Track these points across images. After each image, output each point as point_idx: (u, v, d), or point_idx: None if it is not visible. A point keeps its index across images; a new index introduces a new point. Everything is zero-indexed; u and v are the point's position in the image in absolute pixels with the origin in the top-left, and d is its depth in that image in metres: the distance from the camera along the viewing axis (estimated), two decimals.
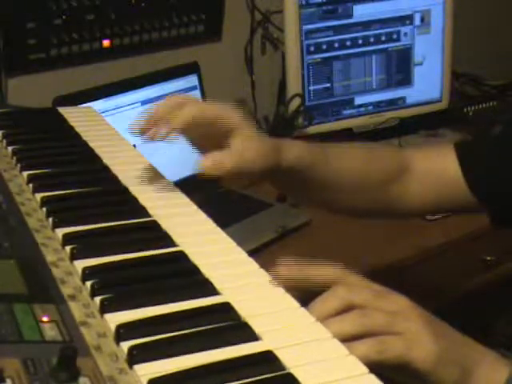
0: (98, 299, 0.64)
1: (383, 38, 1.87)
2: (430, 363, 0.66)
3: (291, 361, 0.58)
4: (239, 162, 0.85)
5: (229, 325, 0.62)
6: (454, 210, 1.06)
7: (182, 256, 0.73)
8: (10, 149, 0.97)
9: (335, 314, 0.66)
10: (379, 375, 0.57)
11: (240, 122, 0.87)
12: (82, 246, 0.73)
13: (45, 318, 0.61)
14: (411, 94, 1.95)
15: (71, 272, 0.70)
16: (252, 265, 0.73)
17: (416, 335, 0.67)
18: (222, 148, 0.87)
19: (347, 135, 1.90)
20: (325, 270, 0.71)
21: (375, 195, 1.00)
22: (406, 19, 1.89)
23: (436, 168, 1.01)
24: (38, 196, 0.84)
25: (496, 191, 0.97)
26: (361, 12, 1.83)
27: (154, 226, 0.79)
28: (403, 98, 1.94)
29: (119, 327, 0.60)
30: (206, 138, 0.91)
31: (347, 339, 0.63)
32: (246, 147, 0.86)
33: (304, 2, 1.76)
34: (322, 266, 0.71)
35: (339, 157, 0.97)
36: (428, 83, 1.97)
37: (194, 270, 0.71)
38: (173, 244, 0.76)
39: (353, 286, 0.69)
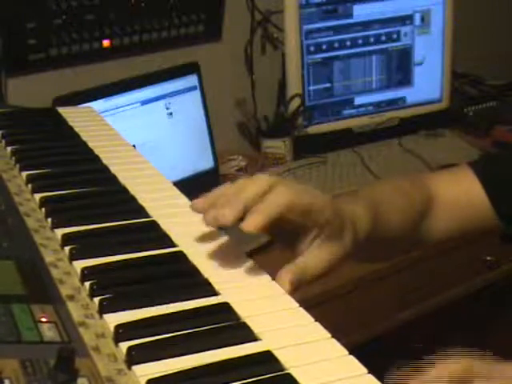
0: (96, 300, 0.64)
1: (383, 38, 1.87)
2: None
3: (290, 361, 0.58)
4: (304, 279, 0.73)
5: (228, 325, 0.62)
6: (478, 232, 1.03)
7: (181, 256, 0.73)
8: (9, 149, 0.97)
9: None
10: (379, 375, 0.57)
11: (328, 219, 0.75)
12: (80, 246, 0.73)
13: (43, 319, 0.60)
14: (411, 93, 1.95)
15: (70, 272, 0.69)
16: (251, 265, 0.73)
17: None
18: (297, 234, 0.76)
19: (347, 135, 1.90)
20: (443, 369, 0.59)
21: (410, 236, 0.95)
22: (406, 19, 1.89)
23: (460, 194, 0.96)
24: (37, 196, 0.83)
25: None
26: (361, 12, 1.83)
27: (154, 226, 0.79)
28: (403, 98, 1.94)
29: (118, 328, 0.60)
30: (285, 224, 0.75)
31: None
32: (319, 260, 0.75)
33: (304, 2, 1.76)
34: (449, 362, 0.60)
35: (388, 213, 0.90)
36: (428, 83, 1.97)
37: (194, 271, 0.71)
38: (172, 244, 0.76)
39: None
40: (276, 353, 0.58)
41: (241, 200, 0.70)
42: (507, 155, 1.01)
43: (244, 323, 0.62)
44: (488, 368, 0.60)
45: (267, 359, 0.58)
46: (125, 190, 0.88)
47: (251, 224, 0.68)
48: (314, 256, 0.75)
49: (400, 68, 1.92)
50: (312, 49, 1.80)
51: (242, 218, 0.70)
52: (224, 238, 0.78)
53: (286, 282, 0.70)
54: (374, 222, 0.84)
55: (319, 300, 1.33)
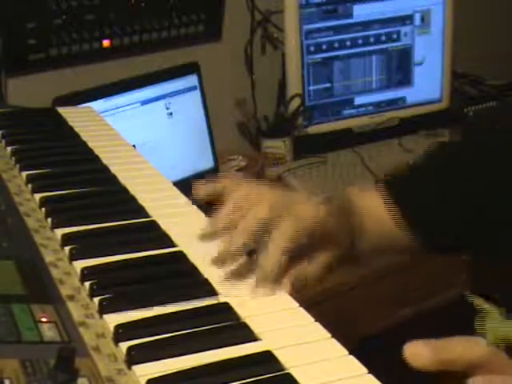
0: (96, 300, 0.64)
1: (383, 38, 1.87)
2: None
3: (290, 361, 0.58)
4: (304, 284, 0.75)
5: (228, 325, 0.62)
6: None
7: (181, 256, 0.73)
8: (9, 149, 0.97)
9: None
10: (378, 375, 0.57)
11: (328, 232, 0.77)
12: (80, 246, 0.73)
13: (43, 319, 0.60)
14: (411, 94, 1.95)
15: (70, 272, 0.69)
16: (251, 265, 0.73)
17: None
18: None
19: (347, 135, 1.90)
20: (467, 350, 0.56)
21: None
22: (406, 19, 1.89)
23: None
24: (37, 196, 0.84)
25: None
26: (361, 12, 1.83)
27: (154, 226, 0.79)
28: (403, 98, 1.94)
29: (118, 327, 0.60)
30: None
31: None
32: (319, 266, 0.77)
33: (304, 2, 1.76)
34: (463, 343, 0.57)
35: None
36: (428, 83, 1.97)
37: (193, 271, 0.71)
38: (172, 244, 0.76)
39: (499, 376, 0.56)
40: (276, 353, 0.58)
41: (248, 231, 0.70)
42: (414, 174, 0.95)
43: (244, 323, 0.62)
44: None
45: (267, 359, 0.58)
46: (125, 190, 0.88)
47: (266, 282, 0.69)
48: (315, 264, 0.76)
49: (400, 68, 1.92)
50: (312, 49, 1.80)
51: None
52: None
53: (287, 285, 0.71)
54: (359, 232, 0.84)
55: (319, 299, 1.34)
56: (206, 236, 0.73)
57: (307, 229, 0.73)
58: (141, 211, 0.82)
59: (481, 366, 0.56)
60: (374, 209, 0.87)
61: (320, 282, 0.78)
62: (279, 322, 0.63)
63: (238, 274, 0.71)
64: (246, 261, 0.72)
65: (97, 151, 0.98)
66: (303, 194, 0.78)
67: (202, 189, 0.77)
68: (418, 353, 0.55)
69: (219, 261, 0.71)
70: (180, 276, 0.71)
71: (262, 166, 1.78)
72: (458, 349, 0.56)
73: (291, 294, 0.70)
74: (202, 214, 0.83)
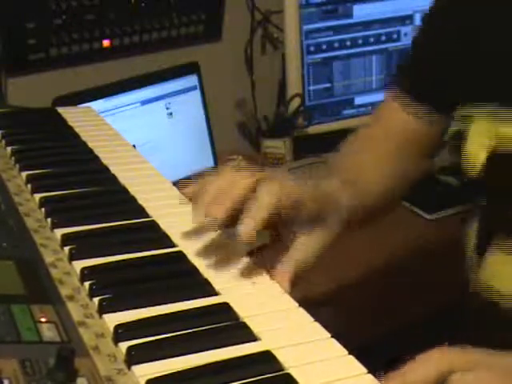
0: (96, 300, 0.64)
1: (383, 38, 1.87)
2: None
3: (290, 361, 0.58)
4: (299, 272, 0.75)
5: (227, 325, 0.62)
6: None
7: (180, 256, 0.73)
8: (8, 149, 0.97)
9: None
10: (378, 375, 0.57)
11: (312, 209, 0.77)
12: (80, 246, 0.73)
13: (43, 319, 0.60)
14: None
15: (70, 272, 0.69)
16: (251, 265, 0.73)
17: None
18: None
19: (347, 135, 1.89)
20: (431, 365, 0.57)
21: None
22: (406, 19, 1.89)
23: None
24: (37, 196, 0.84)
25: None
26: (361, 12, 1.83)
27: (153, 226, 0.79)
28: None
29: (117, 328, 0.60)
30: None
31: None
32: (309, 250, 0.77)
33: (304, 2, 1.76)
34: (425, 360, 0.58)
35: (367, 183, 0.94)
36: None
37: (193, 271, 0.71)
38: (172, 244, 0.76)
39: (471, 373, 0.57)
40: (275, 353, 0.58)
41: (229, 198, 0.71)
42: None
43: (243, 323, 0.62)
44: (489, 358, 0.60)
45: (267, 359, 0.58)
46: (125, 190, 0.88)
47: (245, 234, 0.69)
48: (303, 248, 0.77)
49: None
50: (312, 49, 1.80)
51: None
52: (224, 238, 0.79)
53: (285, 284, 0.71)
54: (353, 197, 0.86)
55: (319, 299, 1.33)
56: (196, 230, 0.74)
57: (290, 201, 0.73)
58: (141, 211, 0.83)
59: (451, 372, 0.57)
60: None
61: (314, 265, 0.78)
62: (279, 322, 0.63)
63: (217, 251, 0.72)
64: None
65: (97, 151, 0.98)
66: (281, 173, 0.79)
67: (188, 188, 0.78)
68: None
69: (193, 233, 0.73)
70: (180, 276, 0.71)
71: (262, 166, 1.78)
72: (410, 372, 0.57)
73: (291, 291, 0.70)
74: None
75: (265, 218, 0.70)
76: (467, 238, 0.95)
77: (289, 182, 0.77)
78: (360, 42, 1.84)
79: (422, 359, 0.58)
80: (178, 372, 0.56)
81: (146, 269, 0.71)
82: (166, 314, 0.63)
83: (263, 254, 0.73)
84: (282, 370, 0.57)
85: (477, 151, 0.86)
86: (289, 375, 0.56)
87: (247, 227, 0.69)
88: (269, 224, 0.72)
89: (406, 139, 0.99)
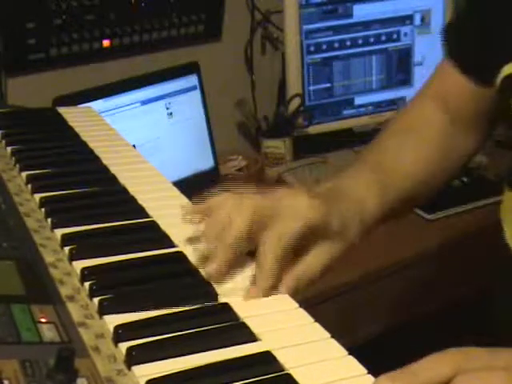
0: (96, 300, 0.64)
1: (383, 38, 1.87)
2: None
3: (290, 361, 0.58)
4: (306, 283, 0.74)
5: (227, 325, 0.62)
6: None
7: (180, 257, 0.73)
8: (9, 149, 0.97)
9: None
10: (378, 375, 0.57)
11: (326, 228, 0.75)
12: (80, 246, 0.73)
13: (43, 319, 0.60)
14: (411, 94, 1.94)
15: (70, 273, 0.69)
16: (251, 265, 0.73)
17: None
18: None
19: (347, 135, 1.90)
20: (437, 365, 0.55)
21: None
22: (406, 19, 1.89)
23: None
24: (37, 196, 0.84)
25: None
26: (361, 12, 1.83)
27: (153, 226, 0.79)
28: (403, 98, 1.94)
29: (117, 328, 0.60)
30: None
31: None
32: (319, 262, 0.75)
33: (304, 2, 1.76)
34: (431, 361, 0.55)
35: (397, 180, 0.90)
36: None
37: (193, 271, 0.71)
38: (172, 244, 0.76)
39: (477, 372, 0.55)
40: (275, 353, 0.58)
41: (229, 248, 0.70)
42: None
43: (243, 323, 0.62)
44: (489, 355, 0.58)
45: (267, 359, 0.58)
46: (125, 190, 0.88)
47: (262, 291, 0.68)
48: (313, 257, 0.75)
49: (400, 68, 1.91)
50: (312, 49, 1.80)
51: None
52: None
53: (288, 290, 0.70)
54: (383, 201, 0.84)
55: (319, 299, 1.34)
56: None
57: (308, 223, 0.72)
58: (141, 211, 0.82)
59: (455, 374, 0.55)
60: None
61: (322, 277, 0.76)
62: (279, 323, 0.63)
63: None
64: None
65: (97, 151, 0.98)
66: (292, 193, 0.76)
67: (191, 213, 0.76)
68: None
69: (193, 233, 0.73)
70: (180, 276, 0.70)
71: (262, 165, 1.78)
72: (423, 373, 0.54)
73: (293, 295, 0.70)
74: None
75: (275, 269, 0.69)
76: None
77: (302, 206, 0.73)
78: (360, 41, 1.85)
79: (436, 359, 0.56)
80: (178, 372, 0.56)
81: (146, 269, 0.71)
82: (166, 315, 0.63)
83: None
84: (283, 370, 0.57)
85: None
86: (289, 376, 0.56)
87: (265, 283, 0.68)
88: None
89: (463, 103, 0.95)
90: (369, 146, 0.95)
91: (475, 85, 0.92)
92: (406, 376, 0.54)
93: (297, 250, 0.74)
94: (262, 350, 0.59)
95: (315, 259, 0.75)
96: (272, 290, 0.69)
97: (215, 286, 0.68)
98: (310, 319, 0.64)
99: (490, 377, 0.55)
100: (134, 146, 1.07)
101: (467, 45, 0.95)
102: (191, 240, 0.76)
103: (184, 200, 0.86)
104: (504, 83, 0.85)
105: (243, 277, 0.71)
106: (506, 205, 0.89)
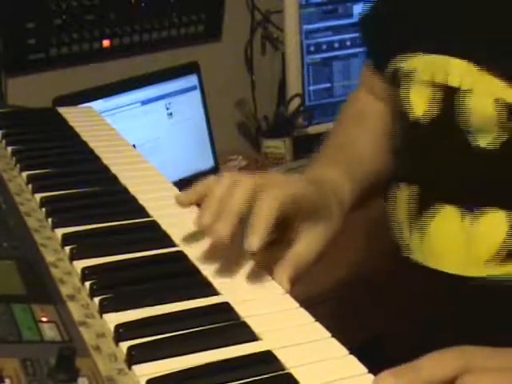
0: (97, 299, 0.64)
1: None
2: None
3: (291, 361, 0.58)
4: (301, 270, 0.75)
5: (228, 325, 0.62)
6: None
7: (181, 256, 0.73)
8: (9, 149, 0.97)
9: None
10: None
11: (314, 206, 0.77)
12: (81, 246, 0.73)
13: (44, 318, 0.60)
14: None
15: (70, 272, 0.70)
16: (252, 265, 0.73)
17: None
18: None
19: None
20: (443, 364, 0.55)
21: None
22: None
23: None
24: (38, 196, 0.84)
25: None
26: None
27: (154, 226, 0.79)
28: None
29: (118, 327, 0.60)
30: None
31: None
32: (311, 247, 0.77)
33: (304, 2, 1.76)
34: (436, 359, 0.55)
35: (366, 173, 0.93)
36: None
37: (194, 271, 0.71)
38: (172, 244, 0.76)
39: (482, 371, 0.55)
40: (276, 352, 0.58)
41: (233, 212, 0.70)
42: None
43: (244, 323, 0.62)
44: (497, 355, 0.58)
45: (267, 359, 0.58)
46: (125, 190, 0.88)
47: (254, 245, 0.69)
48: (305, 244, 0.76)
49: None
50: (312, 49, 1.80)
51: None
52: None
53: (284, 281, 0.71)
54: (356, 188, 0.87)
55: (319, 299, 1.34)
56: (183, 201, 0.76)
57: (291, 196, 0.73)
58: (141, 211, 0.83)
59: (461, 373, 0.54)
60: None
61: (317, 262, 0.77)
62: (279, 322, 0.63)
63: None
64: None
65: (97, 151, 0.98)
66: (282, 174, 0.80)
67: (185, 197, 0.78)
68: None
69: (194, 232, 0.74)
70: (180, 276, 0.71)
71: (262, 166, 1.78)
72: (426, 370, 0.54)
73: (290, 289, 0.70)
74: None
75: (269, 228, 0.69)
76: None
77: (291, 181, 0.77)
78: (360, 42, 1.84)
79: (441, 356, 0.55)
80: (179, 372, 0.56)
81: (146, 268, 0.71)
82: (166, 314, 0.63)
83: (264, 253, 0.73)
84: (283, 369, 0.57)
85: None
86: (290, 375, 0.56)
87: (254, 244, 0.68)
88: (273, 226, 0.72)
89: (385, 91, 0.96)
90: (327, 140, 0.97)
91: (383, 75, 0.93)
92: (409, 372, 0.54)
93: (289, 239, 0.76)
94: (262, 350, 0.59)
95: (308, 246, 0.76)
96: (263, 267, 0.71)
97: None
98: (311, 319, 0.64)
99: (504, 377, 0.54)
100: (133, 145, 1.07)
101: (372, 36, 0.98)
102: (193, 237, 0.76)
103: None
104: (392, 77, 0.87)
105: (244, 276, 0.71)
106: (390, 198, 0.89)
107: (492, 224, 0.78)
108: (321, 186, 0.81)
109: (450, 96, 0.80)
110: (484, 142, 0.78)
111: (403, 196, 0.87)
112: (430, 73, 0.81)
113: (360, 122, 0.99)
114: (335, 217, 0.80)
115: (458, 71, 0.78)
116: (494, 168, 0.78)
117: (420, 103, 0.82)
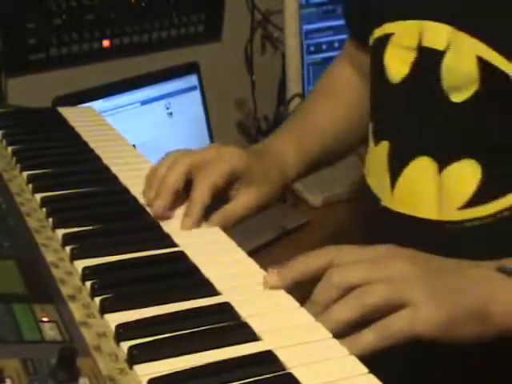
0: (97, 299, 0.64)
1: None
2: (438, 332, 0.64)
3: (291, 361, 0.58)
4: (234, 219, 0.87)
5: (229, 325, 0.62)
6: None
7: (182, 256, 0.73)
8: (10, 149, 0.97)
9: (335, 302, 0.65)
10: (378, 375, 0.57)
11: (248, 169, 0.88)
12: (81, 246, 0.73)
13: (45, 318, 0.60)
14: None
15: (71, 272, 0.70)
16: (252, 265, 0.73)
17: (421, 305, 0.63)
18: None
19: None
20: (313, 257, 0.69)
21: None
22: None
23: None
24: (38, 196, 0.84)
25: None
26: None
27: (154, 226, 0.80)
28: None
29: (119, 327, 0.60)
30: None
31: (352, 324, 0.63)
32: (247, 201, 0.88)
33: (304, 2, 1.76)
34: (310, 255, 0.69)
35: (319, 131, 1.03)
36: None
37: (194, 270, 0.71)
38: (173, 244, 0.76)
39: (347, 264, 0.67)
40: (277, 352, 0.58)
41: (169, 189, 0.82)
42: None
43: (245, 323, 0.62)
44: (359, 250, 0.69)
45: (268, 359, 0.58)
46: (125, 190, 0.88)
47: (187, 226, 0.80)
48: (241, 199, 0.87)
49: None
50: (312, 49, 1.80)
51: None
52: (224, 238, 0.79)
53: (213, 223, 0.82)
54: (305, 157, 0.99)
55: None
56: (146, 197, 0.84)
57: (233, 166, 0.85)
58: (141, 211, 0.83)
59: (330, 265, 0.67)
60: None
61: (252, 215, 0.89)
62: (280, 322, 0.63)
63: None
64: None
65: (97, 151, 0.98)
66: (223, 145, 0.89)
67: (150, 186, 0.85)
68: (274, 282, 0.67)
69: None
70: (181, 276, 0.71)
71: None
72: (300, 264, 0.68)
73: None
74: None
75: (202, 209, 0.81)
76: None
77: (232, 154, 0.87)
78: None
79: (313, 253, 0.69)
80: (180, 371, 0.56)
81: (147, 268, 0.71)
82: (167, 314, 0.63)
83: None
84: (284, 369, 0.57)
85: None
86: (291, 375, 0.56)
87: (187, 224, 0.80)
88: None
89: (363, 61, 1.01)
90: (296, 110, 1.10)
91: (364, 45, 0.98)
92: (287, 268, 0.68)
93: (227, 195, 0.87)
94: (263, 350, 0.59)
95: (241, 200, 0.87)
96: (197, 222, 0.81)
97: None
98: (311, 319, 0.64)
99: (356, 268, 0.66)
100: (133, 145, 1.07)
101: (354, 7, 1.05)
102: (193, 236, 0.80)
103: (184, 199, 0.86)
104: (375, 45, 0.92)
105: (244, 276, 0.71)
106: (370, 157, 0.97)
107: (465, 174, 0.83)
108: (264, 157, 0.92)
109: (426, 57, 0.84)
110: (458, 97, 0.82)
111: (380, 151, 0.92)
112: (405, 36, 0.86)
113: (327, 94, 1.08)
114: (274, 183, 0.92)
115: (432, 33, 0.83)
116: (467, 120, 0.82)
117: (396, 65, 0.88)
